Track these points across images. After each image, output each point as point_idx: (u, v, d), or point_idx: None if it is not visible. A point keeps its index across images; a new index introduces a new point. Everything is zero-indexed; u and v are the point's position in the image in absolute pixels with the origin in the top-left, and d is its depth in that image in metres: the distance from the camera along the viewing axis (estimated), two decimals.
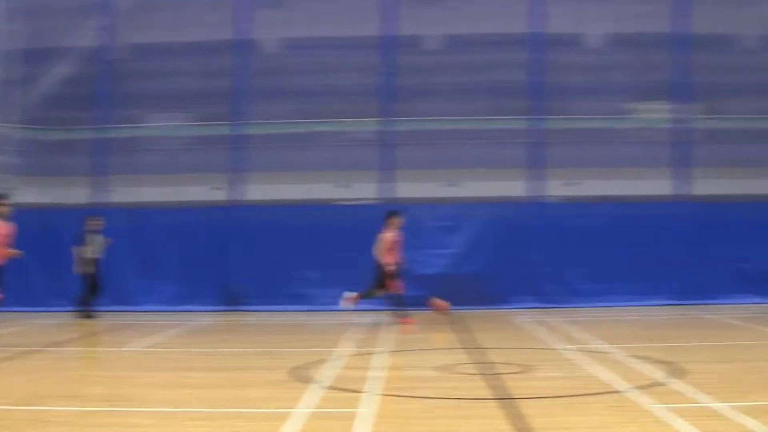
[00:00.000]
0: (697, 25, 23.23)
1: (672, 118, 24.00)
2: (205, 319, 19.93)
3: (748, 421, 7.60)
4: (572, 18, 24.58)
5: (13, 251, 14.89)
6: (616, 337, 15.17)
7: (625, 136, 25.55)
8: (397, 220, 17.84)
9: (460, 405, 8.86)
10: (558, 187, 23.27)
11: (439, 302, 18.40)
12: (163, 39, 25.15)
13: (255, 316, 20.65)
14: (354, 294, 17.77)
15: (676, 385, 9.64)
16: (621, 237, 21.56)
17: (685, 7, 22.98)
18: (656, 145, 24.42)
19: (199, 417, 8.26)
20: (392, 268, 17.41)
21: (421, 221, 21.50)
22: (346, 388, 9.69)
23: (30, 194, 22.68)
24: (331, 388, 9.78)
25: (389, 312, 17.92)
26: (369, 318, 18.59)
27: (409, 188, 22.72)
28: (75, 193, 23.34)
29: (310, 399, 8.98)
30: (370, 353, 12.94)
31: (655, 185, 23.41)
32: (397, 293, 17.50)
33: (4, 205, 14.97)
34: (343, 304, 17.88)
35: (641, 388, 9.36)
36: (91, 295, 19.65)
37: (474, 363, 11.79)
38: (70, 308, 19.77)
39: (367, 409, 8.34)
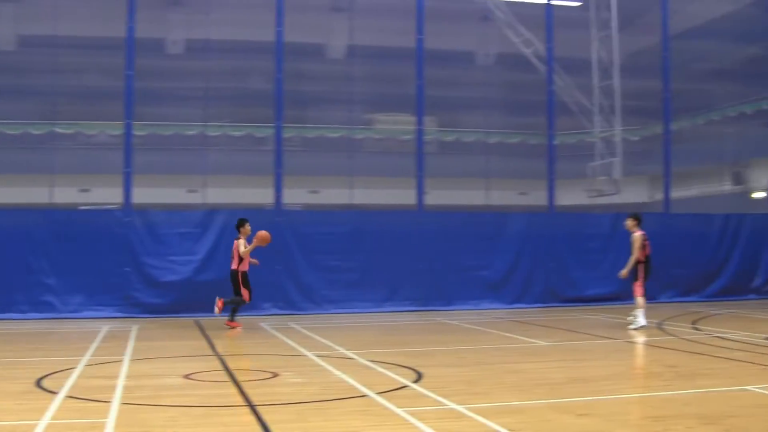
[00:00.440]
0: (431, 41, 23.85)
1: (411, 129, 24.62)
2: None
3: (487, 422, 8.05)
4: (313, 29, 24.96)
5: None
6: (360, 342, 15.50)
7: (365, 146, 26.17)
8: (248, 227, 18.12)
9: (208, 413, 8.89)
10: (301, 195, 23.45)
11: (221, 303, 18.28)
12: None
13: None
14: (219, 301, 17.82)
15: (418, 388, 10.02)
16: (362, 245, 21.94)
17: (420, 22, 23.49)
18: (396, 155, 25.08)
19: None
20: (242, 273, 17.82)
21: (163, 227, 21.16)
22: (91, 398, 9.47)
23: None
24: (75, 398, 9.53)
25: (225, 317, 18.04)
26: (112, 325, 18.18)
27: (152, 194, 22.34)
28: None
29: (54, 410, 8.73)
30: (117, 361, 12.67)
31: (396, 194, 24.01)
32: (243, 300, 17.87)
33: None
34: (216, 310, 17.79)
35: (385, 392, 9.68)
36: None
37: (222, 370, 11.78)
38: None
39: (110, 419, 8.23)
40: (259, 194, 23.06)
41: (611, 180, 28.00)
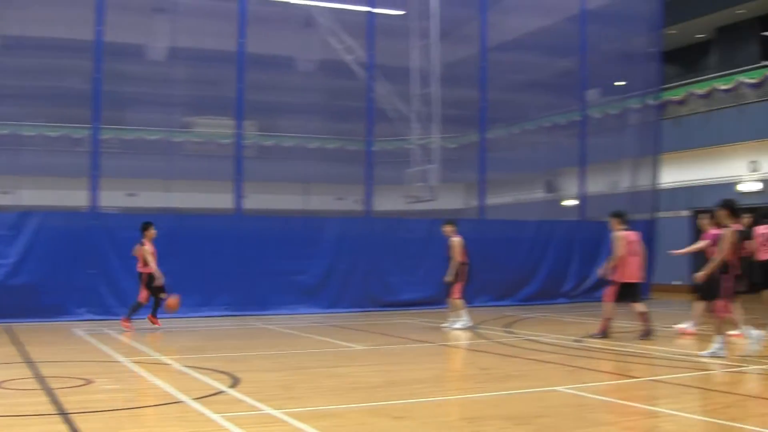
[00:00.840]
0: (253, 45, 23.79)
1: (230, 133, 24.51)
2: None
3: (303, 426, 8.15)
4: (133, 29, 24.52)
5: None
6: (176, 348, 15.39)
7: (184, 148, 25.88)
8: (154, 231, 18.47)
9: (16, 423, 8.61)
10: (118, 198, 23.00)
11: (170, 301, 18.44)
12: None
13: None
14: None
15: (235, 394, 10.04)
16: (179, 249, 21.57)
17: (242, 26, 23.45)
18: (215, 159, 24.90)
19: None
20: (147, 275, 18.20)
21: None
22: None
23: None
24: None
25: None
26: None
27: None
28: None
29: None
30: None
31: (214, 198, 23.83)
32: (140, 302, 18.28)
33: None
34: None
35: (201, 398, 9.65)
36: None
37: (33, 377, 11.45)
38: None
39: None
40: (75, 196, 22.46)
41: (428, 186, 28.49)
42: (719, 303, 13.23)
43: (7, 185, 23.41)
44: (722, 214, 13.44)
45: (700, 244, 16.47)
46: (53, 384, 10.78)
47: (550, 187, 31.92)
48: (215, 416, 8.59)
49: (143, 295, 18.29)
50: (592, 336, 16.17)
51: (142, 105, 24.85)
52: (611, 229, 16.62)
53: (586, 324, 18.92)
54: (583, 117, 28.32)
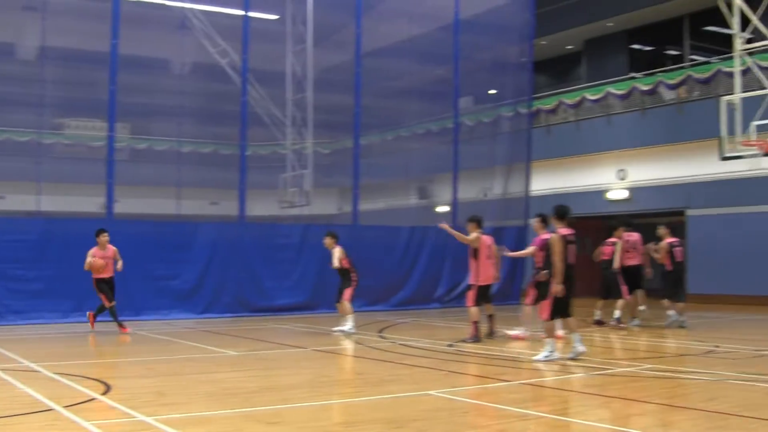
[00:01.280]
0: (126, 47, 23.40)
1: (102, 135, 24.11)
2: None
3: None
4: (2, 27, 23.95)
5: None
6: (46, 354, 15.04)
7: (55, 151, 25.34)
8: (101, 237, 18.69)
9: None
10: None
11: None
12: None
13: None
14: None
15: (107, 401, 9.91)
16: (49, 253, 21.22)
17: (115, 27, 23.00)
18: (86, 162, 24.45)
19: None
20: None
21: None
22: None
23: None
24: None
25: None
26: None
27: None
28: None
29: None
30: None
31: (85, 202, 23.42)
32: (107, 305, 18.62)
33: None
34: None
35: (72, 405, 9.50)
36: None
37: None
38: None
39: None
40: None
41: (302, 191, 28.60)
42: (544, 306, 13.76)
43: None
44: (550, 219, 14.23)
45: (530, 249, 16.99)
46: None
47: (423, 194, 32.28)
48: (87, 424, 8.47)
49: (102, 298, 18.71)
50: (464, 341, 16.45)
51: (12, 105, 24.22)
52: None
53: (458, 329, 19.21)
54: (456, 124, 28.71)
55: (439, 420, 8.96)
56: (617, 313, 19.22)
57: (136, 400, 9.88)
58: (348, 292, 18.35)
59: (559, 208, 13.65)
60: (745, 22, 23.11)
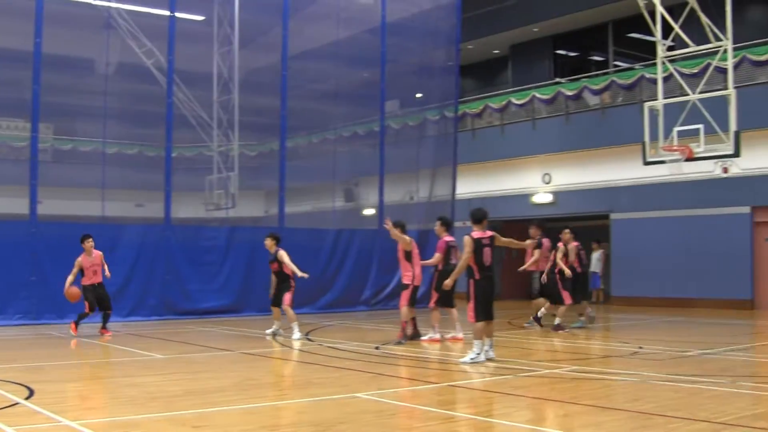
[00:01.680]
0: (50, 46, 23.06)
1: (25, 136, 23.79)
2: None
3: None
4: None
5: None
6: None
7: None
8: (86, 243, 18.80)
9: None
10: None
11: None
12: None
13: None
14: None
15: (31, 405, 9.78)
16: None
17: (39, 25, 22.66)
18: (9, 163, 24.13)
19: None
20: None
21: None
22: None
23: None
24: None
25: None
26: None
27: None
28: None
29: None
30: None
31: (8, 203, 23.08)
32: (88, 312, 18.67)
33: None
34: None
35: None
36: None
37: None
38: None
39: None
40: None
41: (228, 194, 28.49)
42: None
43: None
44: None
45: (436, 256, 17.46)
46: None
47: (350, 196, 32.36)
48: (9, 429, 8.37)
49: (86, 305, 18.72)
50: (396, 343, 16.53)
51: None
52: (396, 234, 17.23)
53: (385, 331, 19.31)
54: (382, 127, 28.81)
55: (366, 422, 9.01)
56: (558, 320, 19.49)
57: (60, 405, 9.80)
58: (288, 297, 18.23)
59: (475, 212, 13.93)
60: (667, 29, 23.56)
